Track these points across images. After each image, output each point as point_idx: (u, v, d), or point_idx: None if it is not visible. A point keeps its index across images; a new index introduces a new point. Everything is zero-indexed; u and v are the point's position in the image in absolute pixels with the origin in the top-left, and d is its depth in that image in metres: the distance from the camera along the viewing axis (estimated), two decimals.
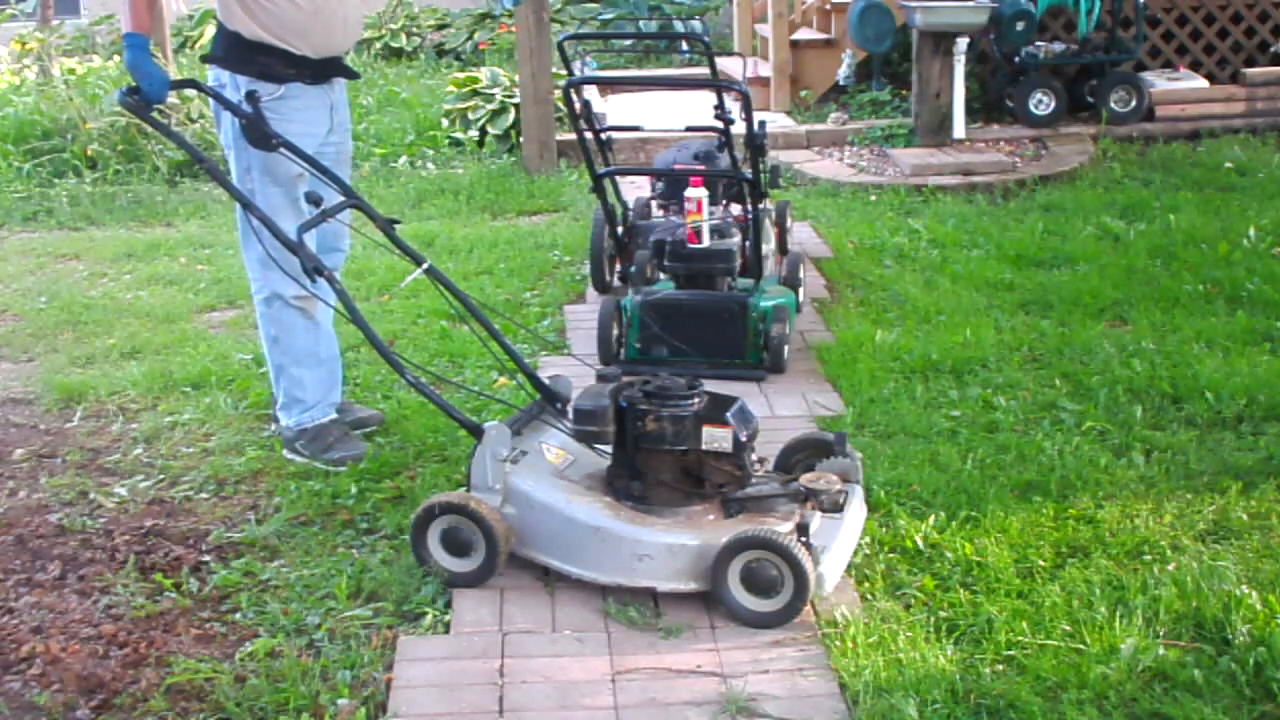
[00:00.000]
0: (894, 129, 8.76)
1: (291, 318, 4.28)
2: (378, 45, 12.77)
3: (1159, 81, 9.04)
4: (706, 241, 5.16)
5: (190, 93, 8.19)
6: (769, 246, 5.50)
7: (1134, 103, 8.80)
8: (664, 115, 8.11)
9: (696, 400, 3.54)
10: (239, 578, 3.66)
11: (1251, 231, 6.50)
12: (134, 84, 3.95)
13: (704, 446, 3.51)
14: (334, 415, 4.41)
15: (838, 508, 3.51)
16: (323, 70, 4.23)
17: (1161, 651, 3.12)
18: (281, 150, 4.08)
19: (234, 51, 4.14)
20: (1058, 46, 9.05)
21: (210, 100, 4.24)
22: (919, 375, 4.91)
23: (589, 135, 5.62)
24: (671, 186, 5.78)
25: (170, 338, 5.63)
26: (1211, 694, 2.98)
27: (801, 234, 6.75)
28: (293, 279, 3.96)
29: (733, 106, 5.41)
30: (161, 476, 4.33)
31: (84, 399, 4.98)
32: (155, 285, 6.46)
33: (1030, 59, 8.84)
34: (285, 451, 4.40)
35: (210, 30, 9.42)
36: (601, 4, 12.84)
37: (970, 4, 8.41)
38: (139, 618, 3.44)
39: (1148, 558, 3.57)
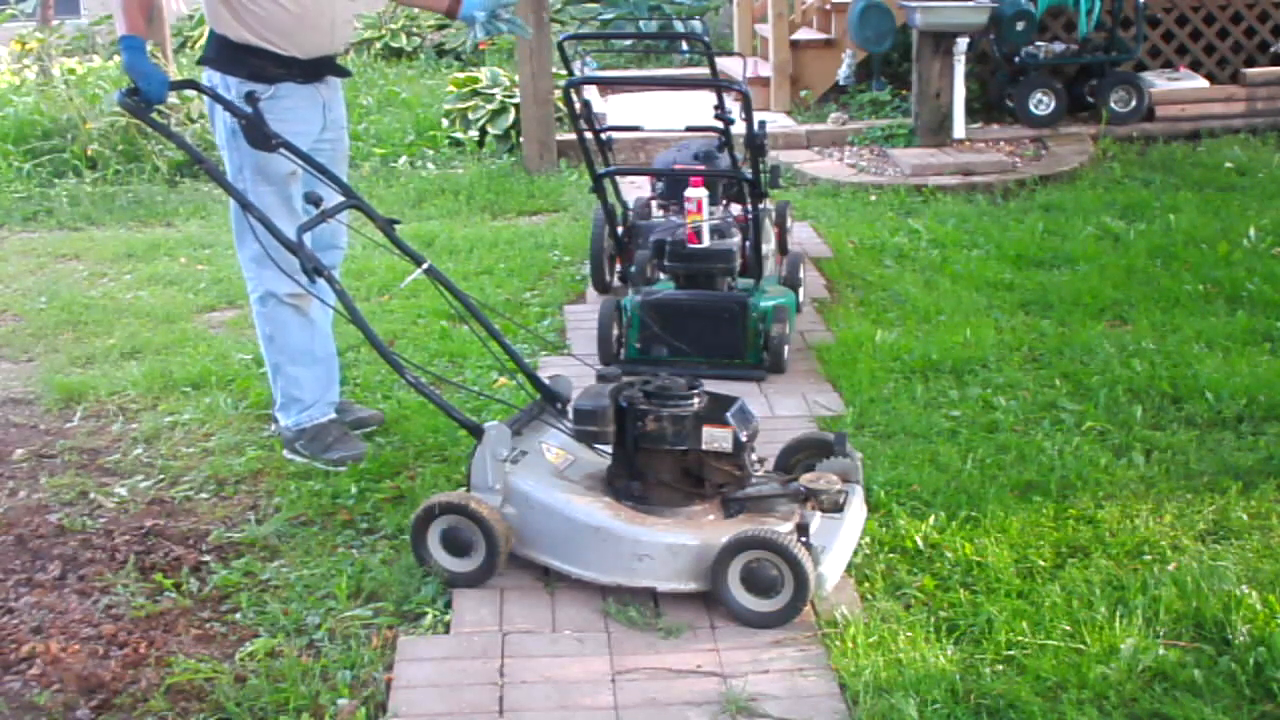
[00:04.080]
0: (894, 129, 8.77)
1: (286, 316, 4.29)
2: (378, 45, 12.77)
3: (1159, 81, 9.04)
4: (706, 241, 5.16)
5: (190, 93, 8.18)
6: (769, 246, 5.50)
7: (1134, 103, 8.80)
8: (664, 115, 8.11)
9: (696, 400, 3.54)
10: (239, 578, 3.66)
11: (1251, 231, 6.50)
12: (133, 85, 3.95)
13: (704, 446, 3.51)
14: (333, 415, 4.41)
15: (838, 508, 3.51)
16: (313, 70, 4.24)
17: (1161, 651, 3.12)
18: (281, 150, 4.09)
19: (224, 54, 4.16)
20: (1058, 46, 9.05)
21: (208, 100, 4.25)
22: (919, 375, 4.91)
23: (589, 135, 5.62)
24: (671, 186, 5.78)
25: (170, 338, 5.63)
26: (1211, 694, 2.98)
27: (801, 234, 6.75)
28: (287, 276, 3.97)
29: (733, 106, 5.41)
30: (161, 476, 4.33)
31: (84, 399, 4.98)
32: (155, 285, 6.46)
33: (1030, 59, 8.84)
34: (285, 452, 4.40)
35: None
36: (601, 4, 12.83)
37: (970, 4, 8.42)
38: (139, 618, 3.45)
39: (1148, 558, 3.57)
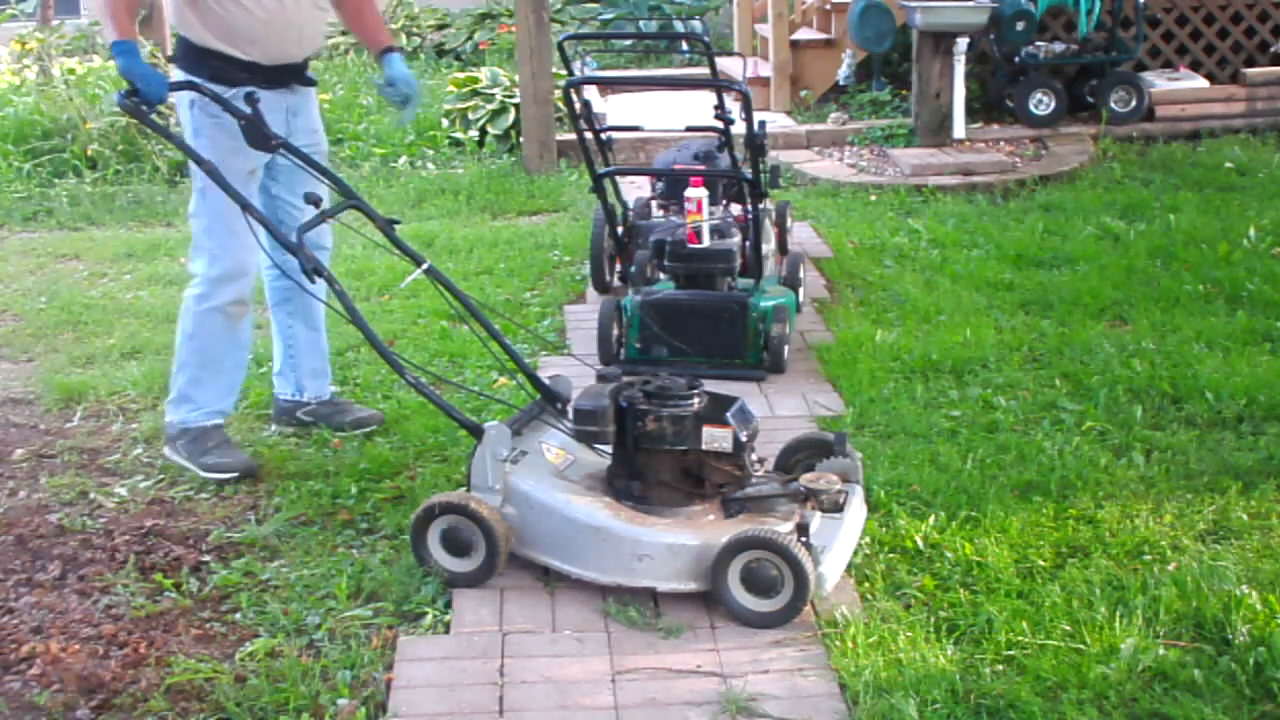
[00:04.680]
0: (894, 129, 8.76)
1: (215, 322, 4.26)
2: None
3: (1159, 81, 9.03)
4: (706, 241, 5.16)
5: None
6: (769, 246, 5.50)
7: (1134, 103, 8.80)
8: (664, 115, 8.10)
9: (696, 400, 3.54)
10: (239, 578, 3.66)
11: (1251, 231, 6.50)
12: (132, 86, 3.95)
13: (704, 446, 3.51)
14: (219, 422, 4.38)
15: (838, 508, 3.51)
16: (277, 76, 4.21)
17: (1161, 651, 3.12)
18: (281, 151, 4.11)
19: (188, 55, 4.15)
20: (1058, 46, 9.05)
21: (176, 96, 4.18)
22: (919, 375, 4.91)
23: (589, 135, 5.62)
24: (671, 186, 5.78)
25: (170, 338, 5.59)
26: (1211, 694, 2.98)
27: (801, 234, 6.75)
28: (231, 282, 4.13)
29: (733, 106, 5.41)
30: (161, 476, 4.33)
31: (84, 399, 4.98)
32: (155, 285, 6.46)
33: (1030, 59, 8.84)
34: (166, 449, 4.38)
35: None
36: (601, 4, 12.83)
37: (970, 4, 8.42)
38: (139, 618, 3.45)
39: (1148, 558, 3.57)
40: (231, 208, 4.05)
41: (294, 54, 4.23)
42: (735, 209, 5.54)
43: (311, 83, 4.38)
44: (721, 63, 8.16)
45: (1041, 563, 3.56)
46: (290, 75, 4.26)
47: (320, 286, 3.93)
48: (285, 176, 4.25)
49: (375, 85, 4.32)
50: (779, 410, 4.71)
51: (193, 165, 4.17)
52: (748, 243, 5.28)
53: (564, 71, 7.07)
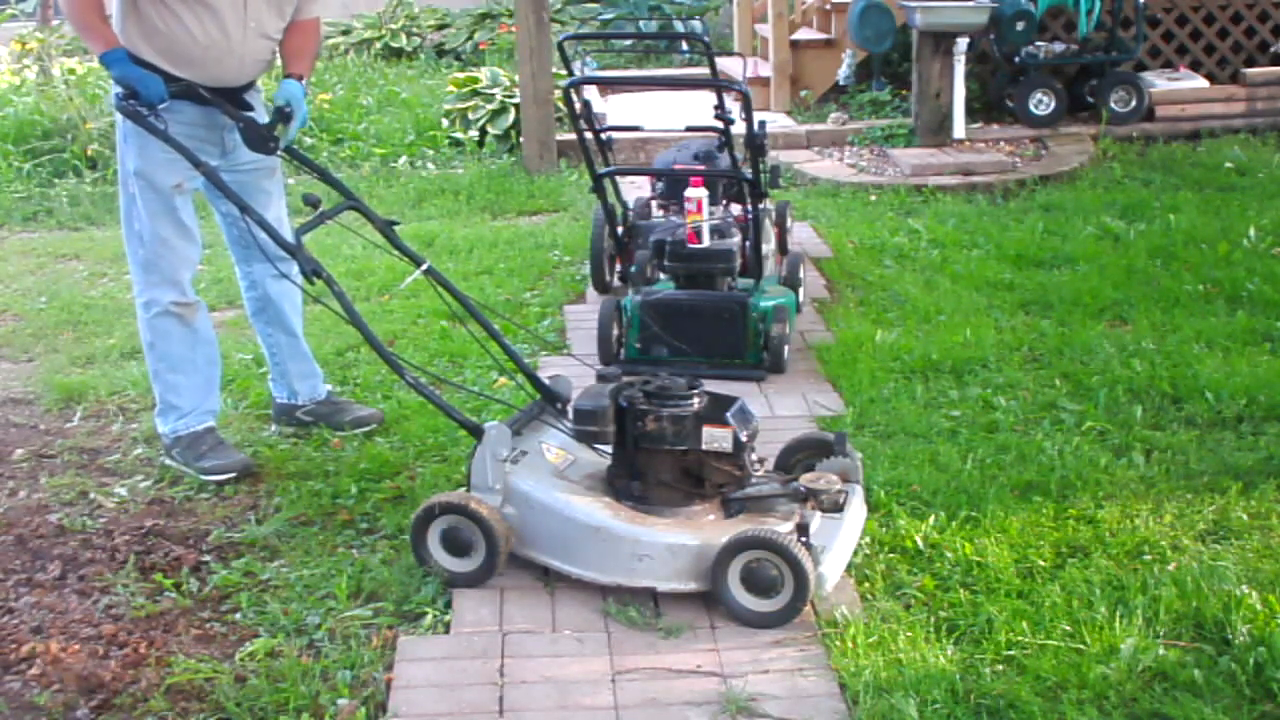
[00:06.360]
0: (894, 129, 8.76)
1: (168, 324, 4.26)
2: (378, 45, 12.76)
3: (1159, 81, 9.03)
4: (706, 241, 5.16)
5: None
6: (769, 246, 5.50)
7: (1134, 103, 8.79)
8: (664, 115, 8.10)
9: (696, 400, 3.54)
10: (239, 578, 3.66)
11: (1251, 231, 6.50)
12: (129, 90, 3.94)
13: (704, 446, 3.51)
14: (210, 423, 4.38)
15: (838, 508, 3.51)
16: (216, 95, 4.14)
17: (1161, 651, 3.12)
18: (281, 153, 4.12)
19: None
20: (1058, 46, 9.05)
21: (113, 99, 4.10)
22: (919, 375, 4.91)
23: (589, 135, 5.62)
24: (671, 186, 5.78)
25: None
26: (1211, 694, 2.98)
27: (801, 234, 6.75)
28: (172, 285, 4.11)
29: (733, 106, 5.41)
30: (161, 476, 4.33)
31: (84, 399, 4.98)
32: None
33: (1030, 59, 8.84)
34: (163, 458, 4.40)
35: None
36: (601, 4, 12.83)
37: (970, 4, 8.41)
38: (139, 618, 3.45)
39: (1148, 558, 3.57)
40: (161, 214, 4.10)
41: (231, 80, 4.18)
42: (735, 209, 5.54)
43: (248, 108, 4.26)
44: (721, 63, 8.16)
45: (1041, 563, 3.56)
46: (227, 98, 4.17)
47: (287, 286, 3.89)
48: (237, 190, 4.09)
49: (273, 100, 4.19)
50: (779, 410, 4.71)
51: (121, 174, 4.18)
52: (748, 243, 5.29)
53: (564, 71, 7.07)
